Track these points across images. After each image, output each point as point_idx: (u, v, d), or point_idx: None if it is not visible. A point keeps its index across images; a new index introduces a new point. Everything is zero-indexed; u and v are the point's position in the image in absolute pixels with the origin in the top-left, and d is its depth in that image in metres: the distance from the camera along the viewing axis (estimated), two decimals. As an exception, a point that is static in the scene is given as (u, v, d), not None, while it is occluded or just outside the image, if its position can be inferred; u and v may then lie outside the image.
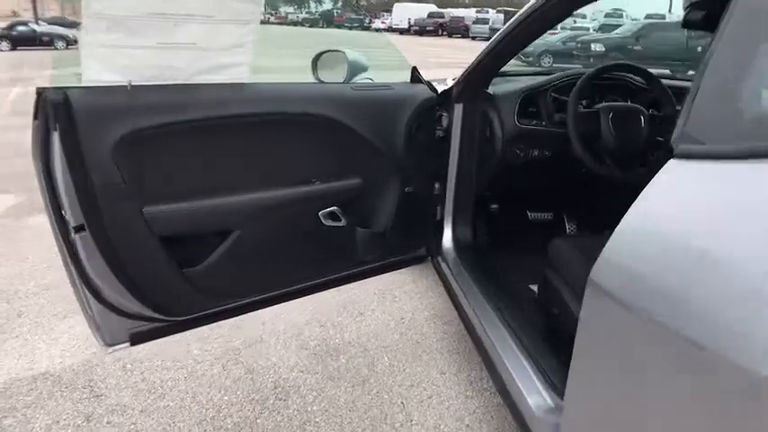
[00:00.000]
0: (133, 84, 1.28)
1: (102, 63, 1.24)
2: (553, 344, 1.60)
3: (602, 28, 20.35)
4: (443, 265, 2.16)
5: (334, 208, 1.67)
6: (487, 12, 31.82)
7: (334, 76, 1.95)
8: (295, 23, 40.18)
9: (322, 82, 1.96)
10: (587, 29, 20.75)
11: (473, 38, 28.19)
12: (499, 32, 1.73)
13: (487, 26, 27.75)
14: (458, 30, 30.87)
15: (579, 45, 16.44)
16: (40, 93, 1.21)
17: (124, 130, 1.27)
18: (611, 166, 1.82)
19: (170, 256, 1.43)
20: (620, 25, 19.62)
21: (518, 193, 2.41)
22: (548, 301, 1.77)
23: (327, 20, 39.90)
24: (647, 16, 22.83)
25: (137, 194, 1.33)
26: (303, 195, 1.59)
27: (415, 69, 1.88)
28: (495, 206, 2.39)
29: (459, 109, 1.99)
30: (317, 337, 2.20)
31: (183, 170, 1.40)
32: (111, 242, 1.35)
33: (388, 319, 2.34)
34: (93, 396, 1.86)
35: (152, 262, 1.42)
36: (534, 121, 1.99)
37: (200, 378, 1.95)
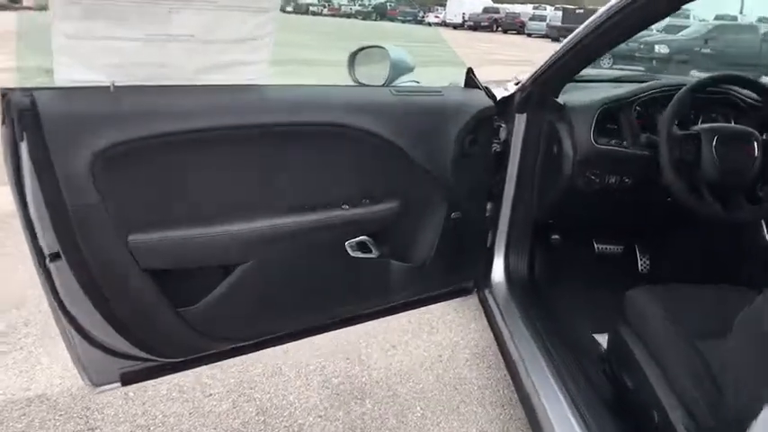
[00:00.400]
0: (117, 85, 1.03)
1: (77, 59, 1.00)
2: (622, 426, 1.28)
3: (667, 28, 19.29)
4: (490, 300, 1.86)
5: (365, 237, 1.39)
6: (545, 8, 30.85)
7: (373, 76, 1.66)
8: (348, 15, 40.01)
9: (360, 83, 1.68)
10: (650, 28, 19.73)
11: (529, 35, 27.37)
12: (576, 32, 1.42)
13: (544, 23, 26.90)
14: (513, 26, 30.00)
15: (642, 46, 15.58)
16: (5, 94, 0.98)
17: (105, 141, 1.02)
18: (710, 201, 1.47)
19: (161, 294, 1.18)
20: (686, 26, 18.53)
21: (584, 223, 2.06)
22: (619, 366, 1.44)
23: (381, 13, 39.56)
24: (717, 17, 21.51)
25: (120, 220, 1.09)
26: (327, 222, 1.32)
27: (470, 71, 1.58)
28: (556, 237, 2.06)
29: (521, 120, 1.68)
30: (342, 373, 1.93)
31: (178, 191, 1.15)
32: (91, 274, 1.11)
33: (423, 356, 2.05)
34: (88, 429, 1.65)
35: (140, 300, 1.18)
36: (614, 141, 1.65)
37: (206, 415, 1.72)
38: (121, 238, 1.10)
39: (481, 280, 1.89)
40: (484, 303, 1.90)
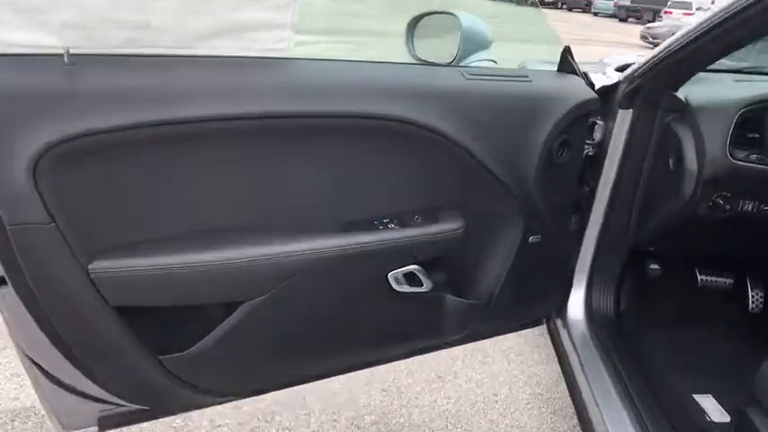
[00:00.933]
0: (74, 52, 0.71)
1: (18, 13, 0.69)
2: None
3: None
4: (563, 334, 1.50)
5: (415, 267, 1.05)
6: (614, -14, 29.16)
7: (438, 51, 1.30)
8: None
9: (421, 61, 1.32)
10: (729, 11, 18.19)
11: (595, 14, 25.93)
12: (716, 10, 1.01)
13: (612, 2, 25.41)
14: (579, 4, 28.45)
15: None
16: None
17: (55, 133, 0.71)
18: None
19: (137, 338, 0.88)
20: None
21: (692, 252, 1.65)
22: None
23: (439, -14, 38.47)
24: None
25: (77, 242, 0.78)
26: (365, 247, 0.98)
27: (567, 52, 1.20)
28: (655, 266, 1.65)
29: (625, 117, 1.29)
30: (377, 409, 1.61)
31: (161, 204, 0.83)
32: (43, 310, 0.82)
33: (475, 393, 1.71)
34: (73, 460, 1.39)
35: (109, 345, 0.88)
36: (755, 155, 1.22)
37: (211, 454, 1.44)
38: (81, 265, 0.79)
39: (554, 309, 1.53)
40: (554, 336, 1.55)
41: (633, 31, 16.84)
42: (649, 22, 18.86)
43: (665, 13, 18.42)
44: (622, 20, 22.82)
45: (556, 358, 1.54)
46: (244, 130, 0.83)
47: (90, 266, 0.79)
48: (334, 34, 7.83)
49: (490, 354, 1.89)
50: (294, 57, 0.85)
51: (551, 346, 1.58)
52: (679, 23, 15.39)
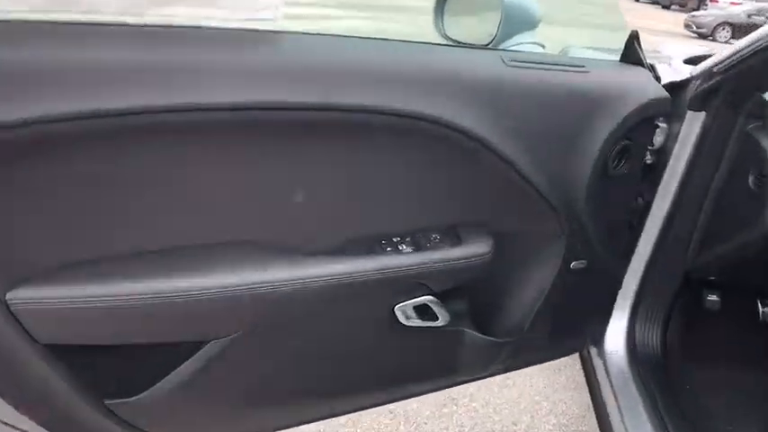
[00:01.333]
0: None
1: None
2: None
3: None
4: (599, 365, 1.31)
5: (429, 298, 0.86)
6: (657, -30, 28.06)
7: (473, 30, 1.09)
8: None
9: (452, 42, 1.11)
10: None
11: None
12: None
13: (655, -14, 24.43)
14: (618, -12, 27.55)
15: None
16: None
17: None
18: None
19: (77, 380, 0.71)
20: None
21: (758, 281, 1.42)
22: None
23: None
24: None
25: None
26: (368, 276, 0.78)
27: (634, 38, 0.97)
28: (713, 297, 1.43)
29: (695, 121, 1.06)
30: (381, 434, 1.44)
31: (100, 216, 0.65)
32: None
33: (492, 421, 1.52)
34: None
35: (42, 387, 0.71)
36: None
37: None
38: None
39: (589, 336, 1.33)
40: (587, 364, 1.35)
41: (673, 18, 16.17)
42: (694, 10, 18.06)
43: (711, 1, 17.63)
44: (665, 7, 21.93)
45: (585, 384, 1.36)
46: (213, 124, 0.63)
47: (8, 296, 0.61)
48: (362, 9, 7.57)
49: (511, 375, 1.69)
50: (285, 30, 0.65)
51: (581, 370, 1.39)
52: (724, 13, 14.69)
